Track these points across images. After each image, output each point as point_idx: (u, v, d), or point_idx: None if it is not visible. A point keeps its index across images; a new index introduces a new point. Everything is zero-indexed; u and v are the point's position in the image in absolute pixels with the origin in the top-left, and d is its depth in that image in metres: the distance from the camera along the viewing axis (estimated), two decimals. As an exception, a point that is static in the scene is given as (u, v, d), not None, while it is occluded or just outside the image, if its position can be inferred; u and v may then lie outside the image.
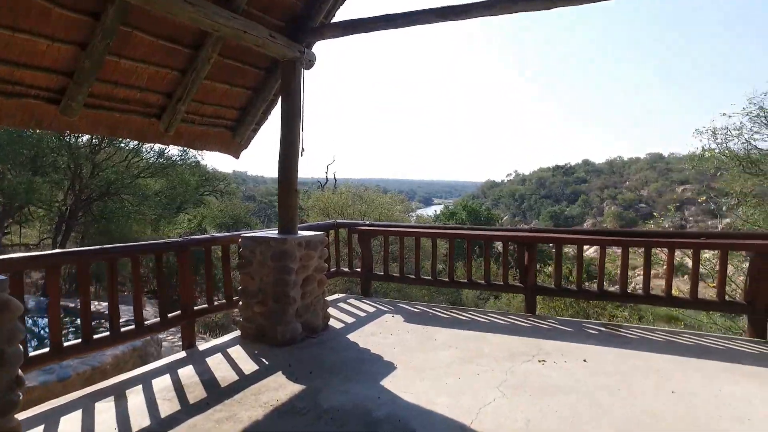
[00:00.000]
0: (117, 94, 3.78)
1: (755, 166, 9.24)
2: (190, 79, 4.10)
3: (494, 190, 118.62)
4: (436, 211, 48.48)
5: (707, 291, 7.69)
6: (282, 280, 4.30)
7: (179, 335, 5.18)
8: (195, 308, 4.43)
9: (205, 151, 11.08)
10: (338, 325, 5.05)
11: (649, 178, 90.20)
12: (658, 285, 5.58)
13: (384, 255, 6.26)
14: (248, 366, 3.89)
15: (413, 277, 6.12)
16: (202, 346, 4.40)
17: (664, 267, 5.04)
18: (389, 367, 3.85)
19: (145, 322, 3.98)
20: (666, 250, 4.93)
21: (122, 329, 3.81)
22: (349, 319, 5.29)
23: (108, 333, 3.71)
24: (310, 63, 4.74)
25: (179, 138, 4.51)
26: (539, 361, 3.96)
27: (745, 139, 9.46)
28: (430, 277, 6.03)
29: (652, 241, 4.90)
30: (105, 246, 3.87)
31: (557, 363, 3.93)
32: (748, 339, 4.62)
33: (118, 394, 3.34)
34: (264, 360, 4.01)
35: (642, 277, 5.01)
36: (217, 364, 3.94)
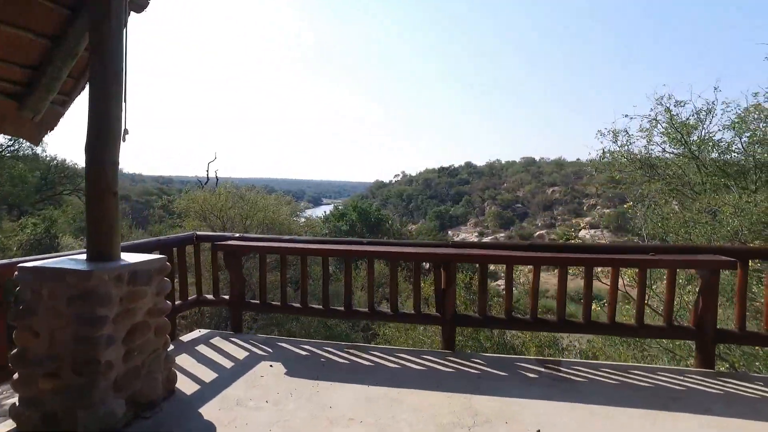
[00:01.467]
0: None
1: (653, 170, 9.21)
2: None
3: (383, 191, 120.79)
4: (325, 211, 47.16)
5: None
6: (87, 337, 2.69)
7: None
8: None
9: None
10: (190, 388, 3.50)
11: (524, 180, 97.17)
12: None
13: (260, 278, 4.78)
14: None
15: (299, 306, 4.71)
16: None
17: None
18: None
19: None
20: (609, 269, 4.10)
21: None
22: (209, 375, 3.76)
23: None
24: (138, 2, 3.16)
25: None
26: (479, 439, 2.82)
27: (645, 143, 9.43)
28: (320, 306, 4.67)
29: (594, 259, 4.03)
30: None
31: (504, 440, 2.81)
32: (699, 371, 3.92)
33: None
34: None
35: (582, 301, 4.13)
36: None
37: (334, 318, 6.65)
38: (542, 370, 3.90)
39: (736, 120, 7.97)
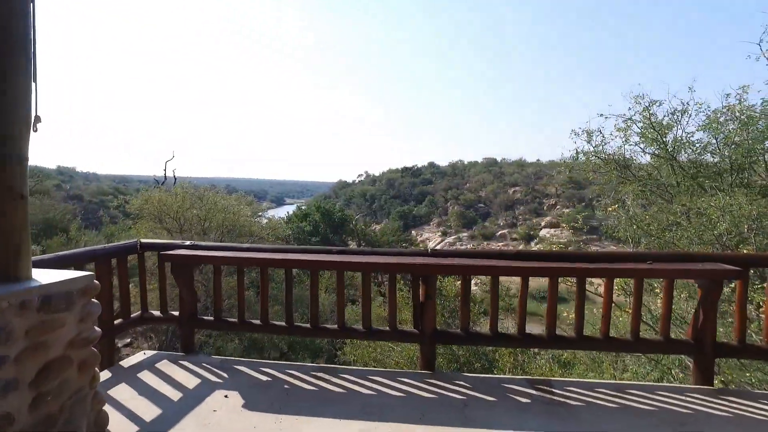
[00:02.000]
0: None
1: (626, 171, 9.01)
2: None
3: (346, 190, 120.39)
4: (288, 212, 46.21)
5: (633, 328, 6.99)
6: (-22, 382, 2.08)
7: None
8: None
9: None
10: (128, 430, 2.92)
11: (486, 181, 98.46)
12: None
13: (215, 292, 4.19)
14: None
15: (258, 323, 4.15)
16: None
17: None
18: None
19: None
20: (603, 279, 3.73)
21: None
22: (151, 411, 3.17)
23: None
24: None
25: None
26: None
27: (621, 143, 9.19)
28: (284, 323, 4.12)
29: (587, 269, 3.65)
30: None
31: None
32: (699, 388, 3.61)
33: None
34: None
35: (574, 315, 3.74)
36: None
37: (300, 336, 6.05)
38: (533, 392, 3.50)
39: (707, 121, 7.86)
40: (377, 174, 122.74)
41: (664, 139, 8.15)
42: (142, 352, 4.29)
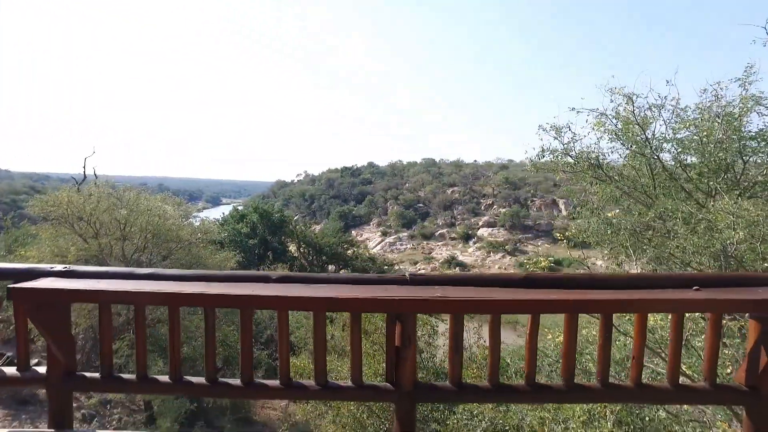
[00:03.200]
0: None
1: (596, 170, 8.35)
2: None
3: (284, 190, 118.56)
4: (224, 213, 43.86)
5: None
6: None
7: None
8: None
9: None
10: None
11: (425, 181, 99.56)
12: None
13: (102, 337, 2.93)
14: None
15: (167, 381, 2.95)
16: None
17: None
18: None
19: None
20: (633, 315, 2.85)
21: None
22: None
23: None
24: None
25: None
26: None
27: (595, 140, 8.50)
28: (204, 380, 2.94)
29: (617, 302, 2.76)
30: None
31: None
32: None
33: None
34: None
35: (598, 359, 2.84)
36: None
37: (228, 397, 4.72)
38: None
39: (679, 120, 7.36)
40: (316, 174, 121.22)
41: (646, 135, 7.55)
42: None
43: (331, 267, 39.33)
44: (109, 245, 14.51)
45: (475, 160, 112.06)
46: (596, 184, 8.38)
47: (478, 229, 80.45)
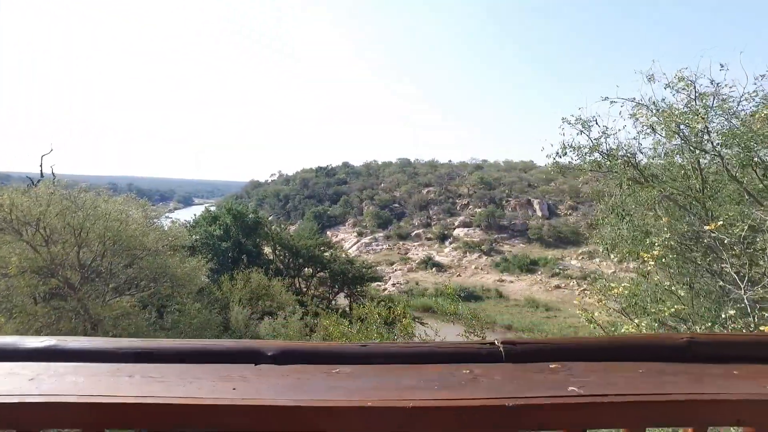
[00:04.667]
0: None
1: (635, 170, 7.17)
2: None
3: (258, 190, 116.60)
4: (195, 214, 41.85)
5: None
6: None
7: None
8: None
9: None
10: None
11: (400, 181, 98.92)
12: None
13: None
14: None
15: None
16: None
17: None
18: None
19: None
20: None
21: None
22: None
23: None
24: None
25: None
26: None
27: (635, 134, 7.27)
28: None
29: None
30: None
31: None
32: None
33: None
34: None
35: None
36: None
37: None
38: None
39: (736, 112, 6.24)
40: (291, 173, 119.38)
41: (707, 128, 6.37)
42: None
43: (307, 270, 37.89)
44: (62, 254, 12.89)
45: (450, 160, 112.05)
46: (631, 185, 7.22)
47: (454, 229, 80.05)
